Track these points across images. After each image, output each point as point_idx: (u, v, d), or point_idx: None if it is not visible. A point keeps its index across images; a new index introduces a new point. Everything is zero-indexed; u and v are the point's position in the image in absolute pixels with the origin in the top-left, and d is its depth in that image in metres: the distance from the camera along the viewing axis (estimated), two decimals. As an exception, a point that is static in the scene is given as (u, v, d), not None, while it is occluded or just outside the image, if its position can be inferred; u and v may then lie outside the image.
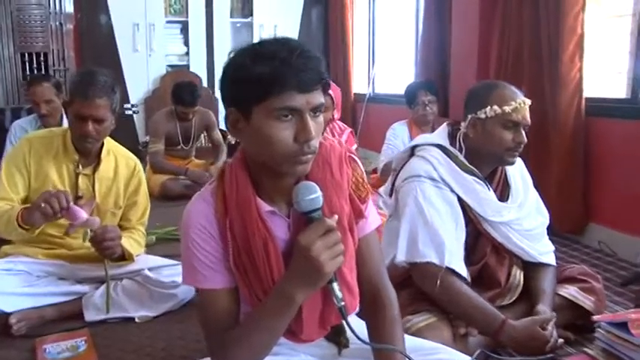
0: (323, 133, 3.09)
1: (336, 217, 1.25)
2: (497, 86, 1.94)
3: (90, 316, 2.20)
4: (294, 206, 1.24)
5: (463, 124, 1.96)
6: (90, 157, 2.28)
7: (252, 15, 6.88)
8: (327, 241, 1.17)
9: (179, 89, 4.55)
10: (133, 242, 2.29)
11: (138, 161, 2.43)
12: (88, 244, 2.20)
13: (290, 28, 6.94)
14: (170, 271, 2.30)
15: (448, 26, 4.40)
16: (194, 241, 1.32)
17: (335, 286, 1.21)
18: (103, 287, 2.25)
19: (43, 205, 1.93)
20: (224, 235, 1.31)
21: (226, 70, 1.25)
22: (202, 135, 5.03)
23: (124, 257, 2.23)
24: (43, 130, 2.39)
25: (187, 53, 6.75)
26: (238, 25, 7.00)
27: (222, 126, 5.64)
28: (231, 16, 6.87)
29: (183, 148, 4.76)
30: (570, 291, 2.02)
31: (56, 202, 1.92)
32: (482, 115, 1.88)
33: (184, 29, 6.75)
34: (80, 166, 2.26)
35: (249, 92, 1.19)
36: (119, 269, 2.26)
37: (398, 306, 1.42)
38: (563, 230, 3.25)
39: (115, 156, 2.35)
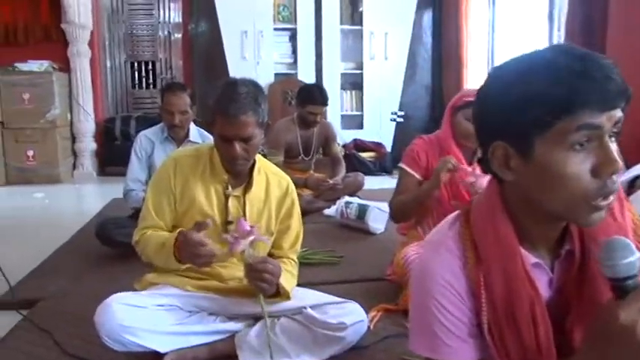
0: (476, 154, 2.77)
1: None
2: None
3: (245, 358, 1.93)
4: (603, 270, 0.91)
5: None
6: (240, 176, 2.03)
7: (361, 22, 6.63)
8: None
9: (308, 89, 4.34)
10: (288, 276, 2.00)
11: (290, 180, 2.15)
12: (239, 274, 1.97)
13: (401, 36, 6.66)
14: (337, 311, 1.98)
15: (601, 28, 3.94)
16: (438, 303, 1.03)
17: None
18: (258, 326, 1.98)
19: (191, 262, 1.83)
20: (477, 294, 1.03)
21: (488, 93, 0.97)
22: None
23: (278, 293, 1.96)
24: (189, 147, 2.17)
25: (295, 61, 6.57)
26: (348, 32, 6.76)
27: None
28: (341, 23, 6.63)
29: (304, 159, 4.49)
30: None
31: (202, 259, 1.80)
32: None
33: (293, 37, 6.58)
34: (230, 187, 2.01)
35: (531, 118, 0.90)
36: (275, 306, 1.99)
37: None
38: None
39: (266, 175, 2.09)
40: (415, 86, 6.94)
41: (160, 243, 1.90)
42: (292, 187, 2.13)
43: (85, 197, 5.77)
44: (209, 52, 6.55)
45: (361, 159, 6.38)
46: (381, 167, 6.48)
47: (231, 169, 1.97)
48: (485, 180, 2.40)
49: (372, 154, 6.58)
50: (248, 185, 2.03)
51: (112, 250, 3.18)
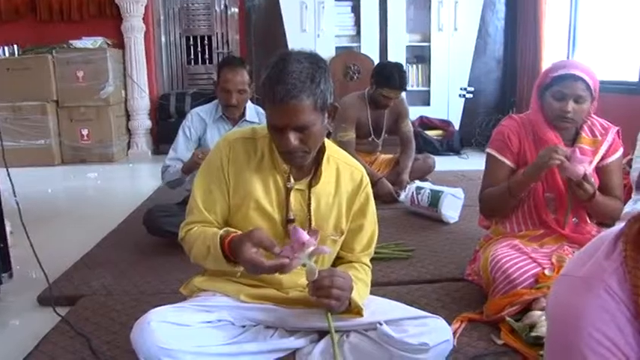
0: (579, 136, 2.33)
1: None
2: None
3: (308, 381, 1.62)
4: None
5: None
6: (304, 167, 1.69)
7: (430, -9, 6.15)
8: None
9: (386, 70, 3.87)
10: (360, 286, 1.66)
11: (364, 172, 1.80)
12: (302, 281, 1.65)
13: (472, 5, 6.16)
14: (418, 328, 1.62)
15: None
16: None
17: None
18: (323, 342, 1.66)
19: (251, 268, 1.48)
20: None
21: None
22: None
23: (348, 307, 1.62)
24: (245, 127, 1.83)
25: (358, 33, 6.18)
26: (414, 1, 6.30)
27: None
28: (407, -7, 6.19)
29: (374, 141, 4.10)
30: None
31: (263, 269, 1.46)
32: None
33: (355, 7, 6.18)
34: (292, 179, 1.68)
35: None
36: (344, 321, 1.66)
37: None
38: None
39: (337, 165, 1.73)
40: (486, 59, 6.45)
41: (206, 246, 1.58)
42: (367, 179, 1.78)
43: (139, 178, 5.58)
44: (267, 26, 6.25)
45: (427, 138, 5.97)
46: (449, 147, 6.05)
47: (289, 161, 1.63)
48: (581, 167, 2.00)
49: (438, 132, 6.16)
50: (314, 177, 1.69)
51: (160, 240, 2.92)
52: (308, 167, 1.69)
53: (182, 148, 3.03)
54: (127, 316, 2.11)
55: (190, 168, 2.85)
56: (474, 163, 5.52)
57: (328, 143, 1.71)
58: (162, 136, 6.18)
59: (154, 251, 2.89)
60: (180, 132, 3.07)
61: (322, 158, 1.68)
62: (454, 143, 6.08)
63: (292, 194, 1.68)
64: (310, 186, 1.69)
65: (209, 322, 1.57)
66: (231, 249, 1.51)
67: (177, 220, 2.68)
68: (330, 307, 1.51)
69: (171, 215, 2.83)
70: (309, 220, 1.69)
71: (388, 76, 3.79)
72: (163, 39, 6.64)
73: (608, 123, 2.28)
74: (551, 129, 2.18)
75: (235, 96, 2.91)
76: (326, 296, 1.48)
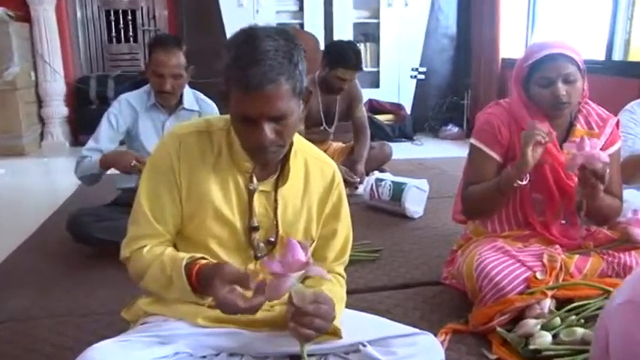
0: (573, 128, 2.17)
1: None
2: None
3: (279, 415, 1.47)
4: None
5: None
6: (269, 164, 1.52)
7: (377, -38, 6.07)
8: None
9: (340, 48, 3.73)
10: (337, 303, 1.53)
11: (335, 167, 1.65)
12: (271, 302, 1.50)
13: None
14: (407, 349, 1.48)
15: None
16: None
17: None
18: (296, 371, 1.53)
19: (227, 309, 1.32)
20: None
21: None
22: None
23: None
24: (197, 119, 1.64)
25: (301, 8, 6.08)
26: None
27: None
28: (353, -37, 6.09)
29: (326, 129, 3.96)
30: None
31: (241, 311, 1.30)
32: None
33: (298, -19, 6.06)
34: (255, 180, 1.52)
35: None
36: (320, 344, 1.51)
37: None
38: None
39: (306, 159, 1.58)
40: (438, 37, 6.47)
41: (166, 275, 1.41)
42: (339, 176, 1.63)
43: (56, 174, 5.25)
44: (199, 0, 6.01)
45: (378, 123, 5.89)
46: (401, 132, 6.01)
47: (259, 159, 1.46)
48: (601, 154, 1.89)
49: (390, 116, 6.13)
50: (281, 176, 1.53)
51: (89, 249, 2.69)
52: (273, 164, 1.53)
53: (104, 138, 2.79)
54: (54, 346, 1.88)
55: (109, 163, 2.63)
56: (429, 150, 5.51)
57: (296, 137, 1.56)
58: (82, 125, 5.85)
59: (82, 262, 2.65)
60: (104, 119, 2.83)
61: (289, 153, 1.53)
62: (406, 128, 6.05)
63: (256, 197, 1.52)
64: (277, 187, 1.54)
65: (164, 357, 1.39)
66: (199, 281, 1.35)
67: (111, 225, 2.51)
68: (307, 337, 1.36)
69: (103, 219, 2.61)
70: (276, 226, 1.54)
71: (343, 54, 3.66)
72: (79, 13, 6.32)
73: (607, 112, 2.18)
74: (543, 117, 2.07)
75: (170, 81, 2.70)
76: (307, 325, 1.33)
